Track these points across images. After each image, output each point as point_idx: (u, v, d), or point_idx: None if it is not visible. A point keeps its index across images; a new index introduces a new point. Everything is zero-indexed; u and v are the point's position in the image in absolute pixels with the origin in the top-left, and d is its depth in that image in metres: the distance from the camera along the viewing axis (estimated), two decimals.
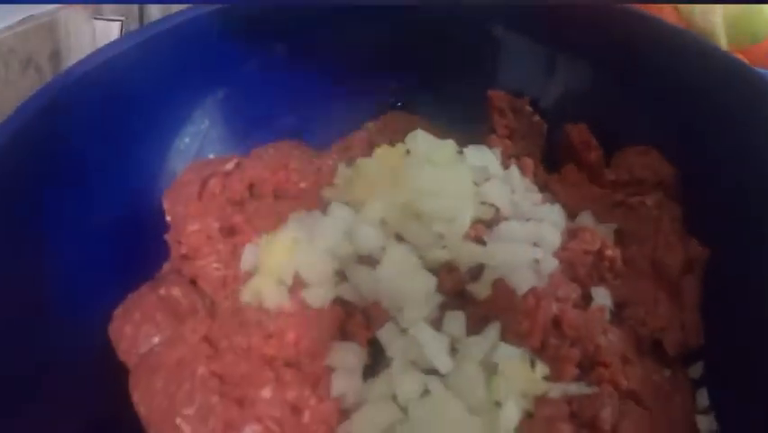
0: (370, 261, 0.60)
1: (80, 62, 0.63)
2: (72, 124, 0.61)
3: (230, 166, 0.70)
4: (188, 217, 0.67)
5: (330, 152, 0.76)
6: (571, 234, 0.63)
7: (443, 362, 0.52)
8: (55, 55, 0.93)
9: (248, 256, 0.62)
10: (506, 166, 0.68)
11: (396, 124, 0.77)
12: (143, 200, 0.69)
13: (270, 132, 0.77)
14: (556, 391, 0.52)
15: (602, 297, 0.60)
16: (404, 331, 0.55)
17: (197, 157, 0.73)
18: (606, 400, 0.52)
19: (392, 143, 0.69)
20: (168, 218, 0.69)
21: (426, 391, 0.52)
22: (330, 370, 0.55)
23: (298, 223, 0.63)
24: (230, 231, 0.66)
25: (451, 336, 0.54)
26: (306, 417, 0.53)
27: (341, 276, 0.59)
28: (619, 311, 0.60)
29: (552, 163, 0.75)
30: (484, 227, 0.61)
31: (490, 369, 0.52)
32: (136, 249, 0.67)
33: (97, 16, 0.94)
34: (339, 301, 0.59)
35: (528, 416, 0.52)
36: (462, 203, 0.61)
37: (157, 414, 0.56)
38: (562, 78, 0.75)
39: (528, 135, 0.76)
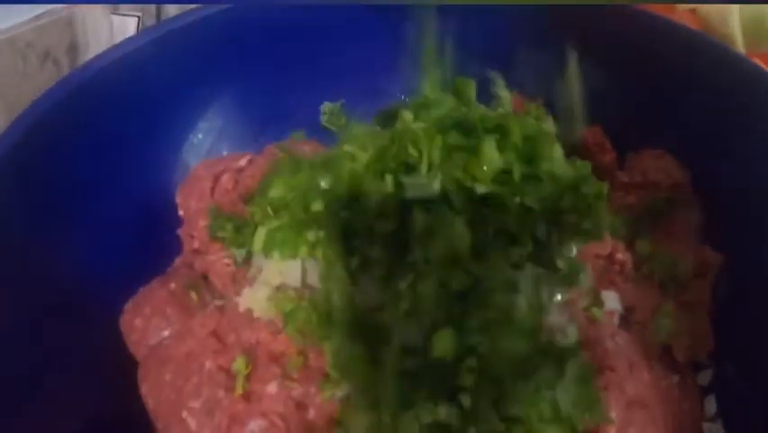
0: None
1: (97, 57, 0.64)
2: (87, 118, 0.62)
3: (243, 162, 0.71)
4: (201, 212, 0.67)
5: None
6: None
7: None
8: (73, 49, 0.94)
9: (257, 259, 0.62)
10: None
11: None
12: (156, 195, 0.70)
13: (284, 129, 0.77)
14: None
15: (612, 301, 0.59)
16: None
17: (211, 153, 0.74)
18: (612, 406, 0.52)
19: None
20: (180, 213, 0.70)
21: None
22: None
23: None
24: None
25: None
26: (312, 413, 0.53)
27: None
28: (628, 315, 0.60)
29: None
30: None
31: None
32: (148, 243, 0.68)
33: (115, 12, 0.95)
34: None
35: None
36: None
37: (164, 407, 0.57)
38: (577, 80, 0.75)
39: None
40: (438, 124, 0.54)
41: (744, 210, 0.61)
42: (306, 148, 0.72)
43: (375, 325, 0.50)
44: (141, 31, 0.92)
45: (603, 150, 0.71)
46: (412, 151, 0.52)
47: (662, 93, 0.68)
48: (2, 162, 0.54)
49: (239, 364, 0.54)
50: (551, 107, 0.76)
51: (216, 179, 0.69)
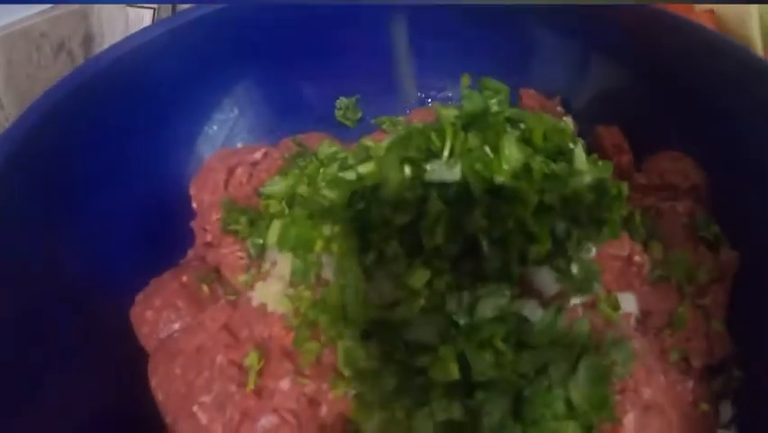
0: None
1: (111, 47, 0.64)
2: (101, 109, 0.62)
3: (258, 155, 0.71)
4: (214, 205, 0.67)
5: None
6: None
7: None
8: (88, 40, 0.94)
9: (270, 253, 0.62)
10: None
11: (424, 119, 0.76)
12: (170, 186, 0.69)
13: (300, 122, 0.77)
14: None
15: (629, 303, 0.58)
16: None
17: (226, 145, 0.74)
18: (628, 410, 0.51)
19: None
20: (194, 205, 0.70)
21: None
22: None
23: None
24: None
25: None
26: (324, 410, 0.52)
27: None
28: (645, 319, 0.59)
29: None
30: None
31: None
32: (161, 235, 0.67)
33: (130, 3, 0.95)
34: None
35: None
36: None
37: (174, 400, 0.56)
38: (595, 79, 0.74)
39: None
40: (463, 118, 0.53)
41: (762, 214, 0.60)
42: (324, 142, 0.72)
43: (389, 321, 0.50)
44: (156, 22, 0.92)
45: (621, 150, 0.70)
46: (435, 140, 0.52)
47: (679, 94, 0.68)
48: (14, 152, 0.54)
49: (251, 359, 0.54)
50: (569, 105, 0.75)
51: (231, 171, 0.69)
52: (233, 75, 0.73)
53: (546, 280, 0.53)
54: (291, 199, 0.60)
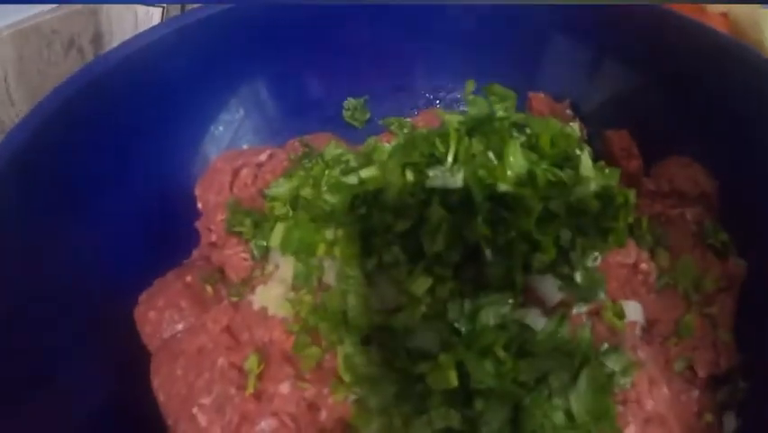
0: None
1: (121, 45, 0.64)
2: (109, 107, 0.62)
3: (263, 157, 0.70)
4: (219, 206, 0.67)
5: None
6: None
7: None
8: (98, 38, 0.94)
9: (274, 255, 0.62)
10: None
11: (432, 121, 0.76)
12: (175, 186, 0.69)
13: (307, 123, 0.77)
14: None
15: (634, 312, 0.58)
16: None
17: (231, 147, 0.73)
18: (630, 422, 0.51)
19: None
20: (199, 206, 0.70)
21: None
22: None
23: None
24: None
25: None
26: (324, 415, 0.52)
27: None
28: (650, 328, 0.59)
29: None
30: None
31: None
32: (166, 234, 0.67)
33: (140, 2, 0.95)
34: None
35: None
36: None
37: (175, 402, 0.56)
38: (605, 83, 0.74)
39: None
40: (467, 124, 0.53)
41: None
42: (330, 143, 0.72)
43: (390, 327, 0.49)
44: (165, 20, 0.92)
45: (630, 155, 0.70)
46: (439, 145, 0.51)
47: (689, 98, 0.67)
48: (22, 149, 0.54)
49: (251, 363, 0.54)
50: (578, 109, 0.75)
51: (236, 172, 0.69)
52: (241, 74, 0.73)
53: (550, 288, 0.53)
54: (295, 202, 0.59)
